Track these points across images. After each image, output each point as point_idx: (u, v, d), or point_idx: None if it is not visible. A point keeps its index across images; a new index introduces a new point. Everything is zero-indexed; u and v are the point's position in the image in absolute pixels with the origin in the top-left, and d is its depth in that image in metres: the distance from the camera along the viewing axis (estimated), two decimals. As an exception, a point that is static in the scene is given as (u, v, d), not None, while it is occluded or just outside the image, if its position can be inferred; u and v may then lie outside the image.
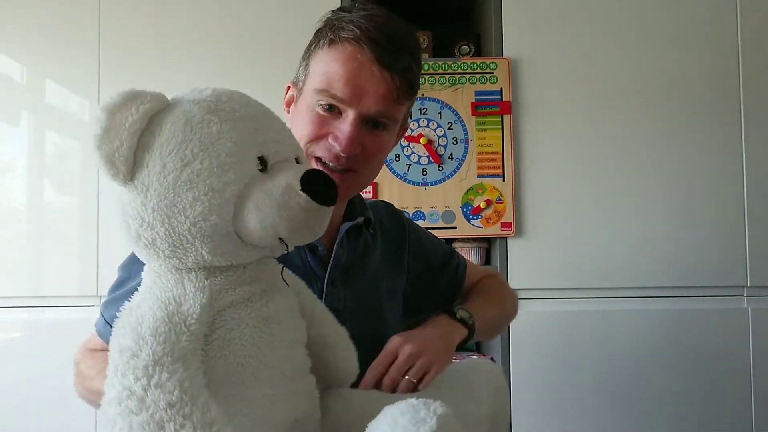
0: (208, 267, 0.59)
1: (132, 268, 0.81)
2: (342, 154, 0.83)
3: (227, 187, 0.56)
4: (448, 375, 0.72)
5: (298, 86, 0.90)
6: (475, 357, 0.75)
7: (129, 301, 0.60)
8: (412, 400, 0.53)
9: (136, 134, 0.55)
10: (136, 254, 0.63)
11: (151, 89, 0.58)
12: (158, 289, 0.59)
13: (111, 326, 0.74)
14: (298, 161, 0.64)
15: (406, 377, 0.78)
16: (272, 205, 0.56)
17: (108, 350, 0.73)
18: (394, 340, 0.83)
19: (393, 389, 0.77)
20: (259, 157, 0.58)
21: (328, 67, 0.83)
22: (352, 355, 0.73)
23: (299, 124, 0.85)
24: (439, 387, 0.70)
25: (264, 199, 0.56)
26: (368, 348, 0.75)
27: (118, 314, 0.58)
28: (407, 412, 0.51)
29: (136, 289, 0.66)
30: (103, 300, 0.88)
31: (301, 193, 0.56)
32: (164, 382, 0.51)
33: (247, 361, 0.58)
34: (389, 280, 1.00)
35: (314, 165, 0.85)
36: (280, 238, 0.59)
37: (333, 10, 0.89)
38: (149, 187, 0.56)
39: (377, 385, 0.78)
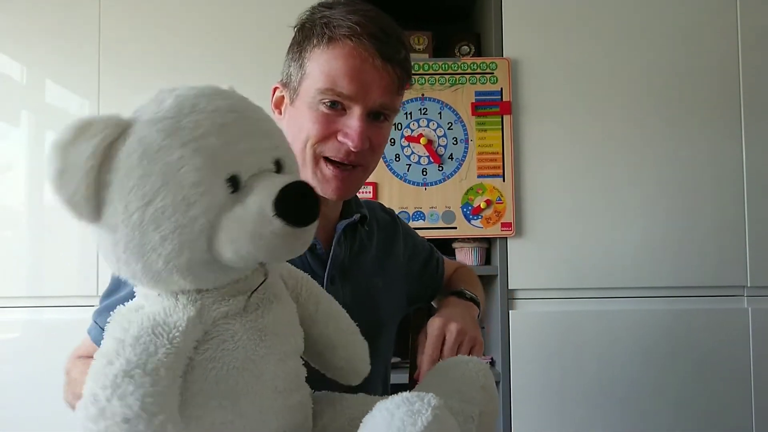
0: None
1: None
2: (353, 150, 0.84)
3: (195, 222, 0.52)
4: (436, 372, 0.71)
5: (291, 87, 0.88)
6: (464, 355, 0.75)
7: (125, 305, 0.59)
8: (406, 394, 0.54)
9: (92, 172, 0.51)
10: None
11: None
12: (152, 297, 0.58)
13: None
14: (279, 164, 0.59)
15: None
16: (245, 235, 0.53)
17: None
18: (436, 322, 0.87)
19: None
20: (229, 178, 0.53)
21: (330, 65, 0.83)
22: (357, 354, 0.72)
23: (301, 125, 0.85)
24: (428, 385, 0.69)
25: (236, 230, 0.53)
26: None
27: (111, 315, 0.57)
28: (402, 405, 0.52)
29: (131, 297, 0.66)
30: (96, 308, 0.87)
31: (274, 219, 0.52)
32: (127, 395, 0.49)
33: (239, 373, 0.56)
34: (386, 276, 1.01)
35: (323, 165, 0.86)
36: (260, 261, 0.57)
37: (314, 7, 0.88)
38: (116, 228, 0.52)
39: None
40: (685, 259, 1.71)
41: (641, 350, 1.69)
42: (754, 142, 1.73)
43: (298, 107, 0.87)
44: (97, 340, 0.81)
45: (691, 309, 1.71)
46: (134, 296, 0.65)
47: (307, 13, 0.88)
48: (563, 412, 1.69)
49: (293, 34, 0.90)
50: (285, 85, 0.90)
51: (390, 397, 0.54)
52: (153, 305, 0.56)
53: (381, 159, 1.72)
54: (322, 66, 0.83)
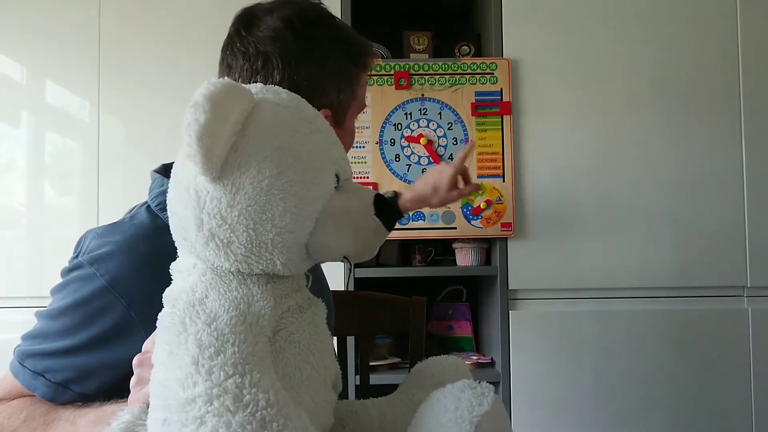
0: (270, 274, 0.58)
1: (63, 319, 0.77)
2: None
3: (315, 202, 0.56)
4: (415, 373, 0.72)
5: (341, 110, 0.86)
6: (446, 355, 0.77)
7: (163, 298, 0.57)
8: (465, 380, 0.58)
9: (236, 134, 0.53)
10: (194, 249, 0.58)
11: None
12: (221, 287, 0.56)
13: (44, 377, 0.73)
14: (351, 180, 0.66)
15: None
16: (350, 224, 0.58)
17: (24, 396, 0.73)
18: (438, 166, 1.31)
19: None
20: (336, 173, 0.59)
21: (365, 85, 0.91)
22: (338, 373, 0.73)
23: (349, 143, 0.91)
24: (409, 384, 0.70)
25: (344, 218, 0.57)
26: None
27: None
28: (466, 389, 0.56)
29: (71, 348, 0.70)
30: (20, 348, 0.80)
31: (375, 217, 0.59)
32: (258, 381, 0.48)
33: (303, 365, 0.57)
34: None
35: None
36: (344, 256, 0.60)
37: (340, 28, 0.85)
38: (240, 189, 0.53)
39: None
40: (685, 259, 1.71)
41: (641, 351, 1.69)
42: (754, 142, 1.73)
43: (347, 128, 0.89)
44: (29, 386, 0.75)
45: (691, 309, 1.71)
46: (80, 349, 0.69)
47: (333, 31, 0.84)
48: (563, 412, 1.69)
49: (335, 58, 0.84)
50: (337, 108, 0.86)
51: (447, 385, 0.58)
52: (225, 293, 0.55)
53: (381, 159, 1.74)
54: (363, 87, 0.91)
